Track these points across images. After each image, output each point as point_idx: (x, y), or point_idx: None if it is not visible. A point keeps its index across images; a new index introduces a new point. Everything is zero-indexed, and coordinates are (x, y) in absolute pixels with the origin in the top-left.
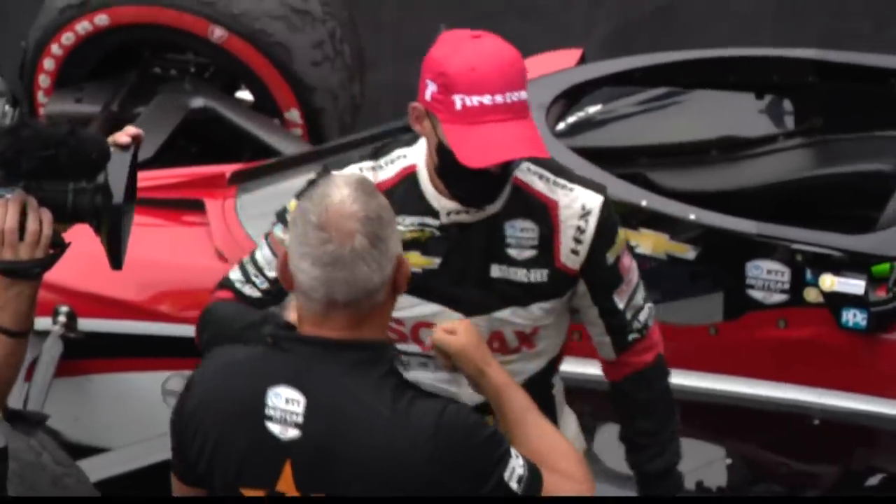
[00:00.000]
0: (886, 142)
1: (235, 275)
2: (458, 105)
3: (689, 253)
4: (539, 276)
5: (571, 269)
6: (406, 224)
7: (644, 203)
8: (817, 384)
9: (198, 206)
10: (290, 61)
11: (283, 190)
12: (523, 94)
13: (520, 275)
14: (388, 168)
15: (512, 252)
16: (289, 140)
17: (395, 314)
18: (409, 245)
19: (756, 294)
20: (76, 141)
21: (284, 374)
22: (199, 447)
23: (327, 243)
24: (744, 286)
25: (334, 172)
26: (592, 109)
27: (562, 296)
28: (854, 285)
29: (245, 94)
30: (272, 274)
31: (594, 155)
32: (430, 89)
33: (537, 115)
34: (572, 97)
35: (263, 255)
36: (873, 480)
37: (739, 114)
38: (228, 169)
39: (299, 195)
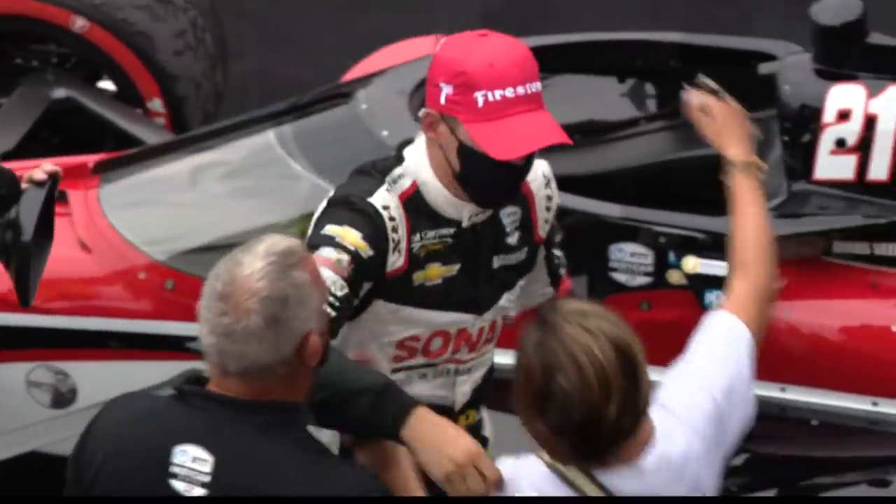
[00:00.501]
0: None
1: None
2: (481, 102)
3: None
4: (522, 254)
5: (541, 238)
6: (428, 239)
7: None
8: None
9: (60, 197)
10: (153, 50)
11: (147, 179)
12: (539, 85)
13: (512, 259)
14: (397, 186)
15: (509, 240)
16: (152, 129)
17: (411, 332)
18: (429, 258)
19: (619, 277)
20: None
21: (192, 433)
22: (98, 496)
23: (223, 315)
24: (607, 269)
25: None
26: None
27: (533, 268)
28: (717, 267)
29: (107, 84)
30: (341, 293)
31: None
32: (446, 92)
33: (400, 101)
34: None
35: (331, 278)
36: (737, 461)
37: (602, 98)
38: (91, 159)
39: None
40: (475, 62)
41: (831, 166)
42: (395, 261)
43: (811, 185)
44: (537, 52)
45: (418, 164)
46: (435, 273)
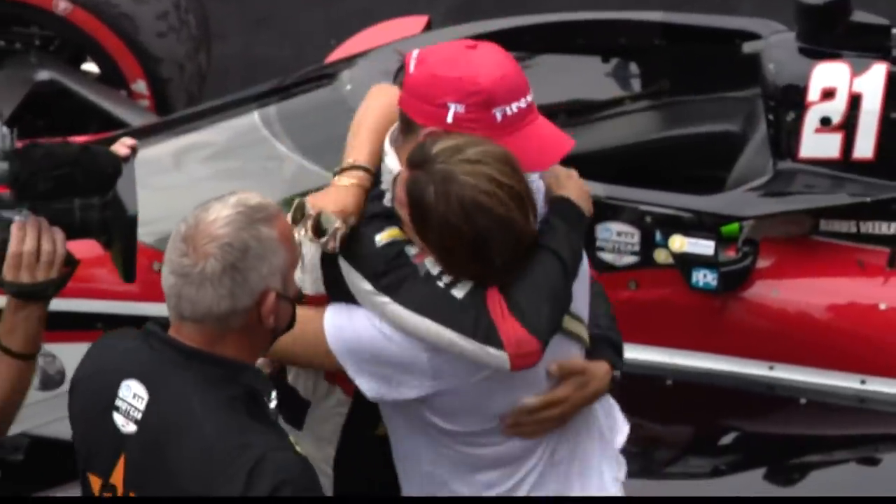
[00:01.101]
0: (733, 102)
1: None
2: (499, 117)
3: None
4: None
5: None
6: None
7: None
8: (669, 345)
9: None
10: (136, 32)
11: (132, 161)
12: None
13: None
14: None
15: None
16: (136, 111)
17: None
18: None
19: (606, 256)
20: (89, 158)
21: (139, 370)
22: (72, 420)
23: (183, 256)
24: (594, 248)
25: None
26: None
27: None
28: (704, 246)
29: (91, 67)
30: None
31: None
32: (454, 111)
33: (384, 81)
34: None
35: (427, 262)
36: (726, 439)
37: (586, 77)
38: (76, 141)
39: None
40: (487, 78)
41: (816, 145)
42: None
43: (797, 163)
44: (521, 32)
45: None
46: None
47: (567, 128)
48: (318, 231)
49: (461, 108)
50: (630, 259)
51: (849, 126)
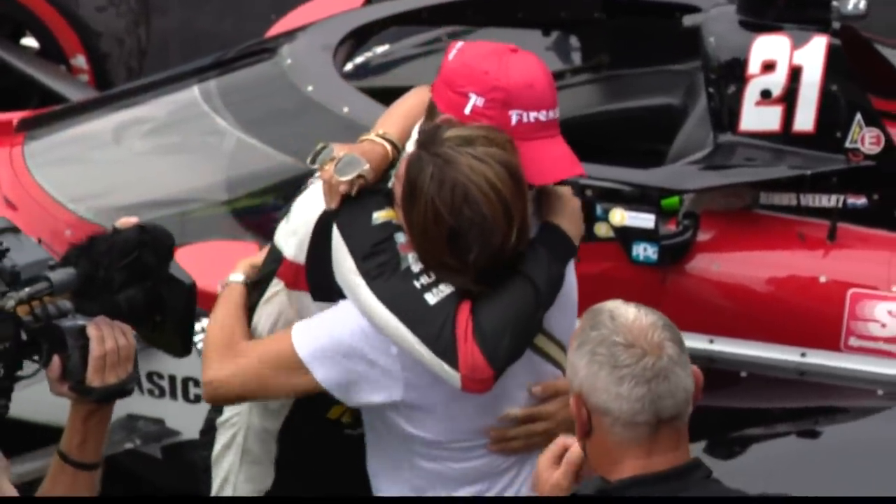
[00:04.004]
0: (674, 76)
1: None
2: (514, 121)
3: None
4: None
5: None
6: None
7: None
8: None
9: None
10: (75, 7)
11: (72, 136)
12: (558, 111)
13: None
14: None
15: None
16: (76, 86)
17: None
18: None
19: None
20: (150, 236)
21: None
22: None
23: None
24: None
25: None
26: (380, 49)
27: None
28: (644, 219)
29: (30, 41)
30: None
31: (383, 95)
32: (474, 102)
33: (324, 56)
34: (360, 37)
35: (410, 257)
36: None
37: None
38: (15, 116)
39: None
40: (515, 80)
41: (757, 117)
42: None
43: (737, 136)
44: (463, 5)
45: None
46: None
47: None
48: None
49: (480, 101)
50: None
51: (789, 99)
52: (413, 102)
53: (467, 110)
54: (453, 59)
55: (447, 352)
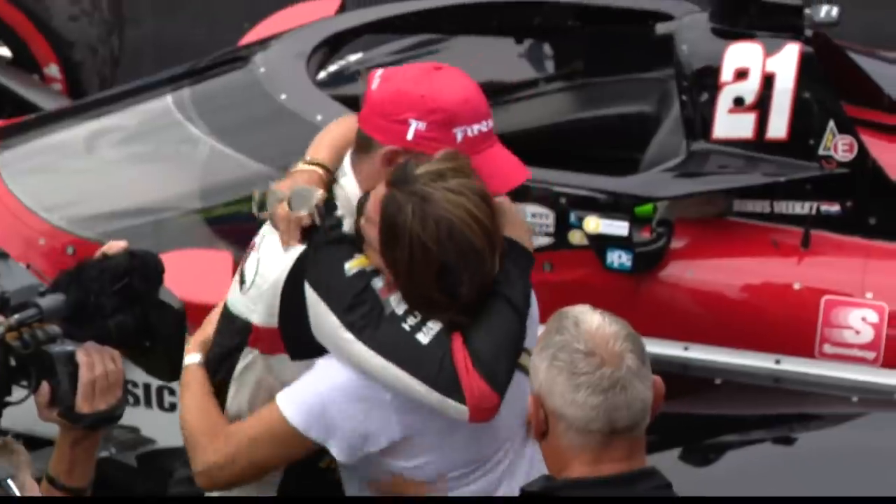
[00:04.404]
0: (647, 83)
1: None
2: (460, 137)
3: None
4: None
5: None
6: None
7: None
8: None
9: None
10: (48, 16)
11: (45, 145)
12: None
13: None
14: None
15: None
16: (49, 95)
17: None
18: None
19: None
20: (139, 261)
21: None
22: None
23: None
24: None
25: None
26: (353, 58)
27: None
28: (618, 227)
29: (3, 50)
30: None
31: (357, 104)
32: (416, 128)
33: (298, 64)
34: (333, 46)
35: (392, 300)
36: None
37: (499, 59)
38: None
39: None
40: (451, 98)
41: (730, 125)
42: None
43: (710, 143)
44: (434, 14)
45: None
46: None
47: None
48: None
49: (422, 126)
50: (545, 240)
51: (762, 106)
52: (339, 131)
53: (409, 136)
54: (378, 88)
55: (451, 388)
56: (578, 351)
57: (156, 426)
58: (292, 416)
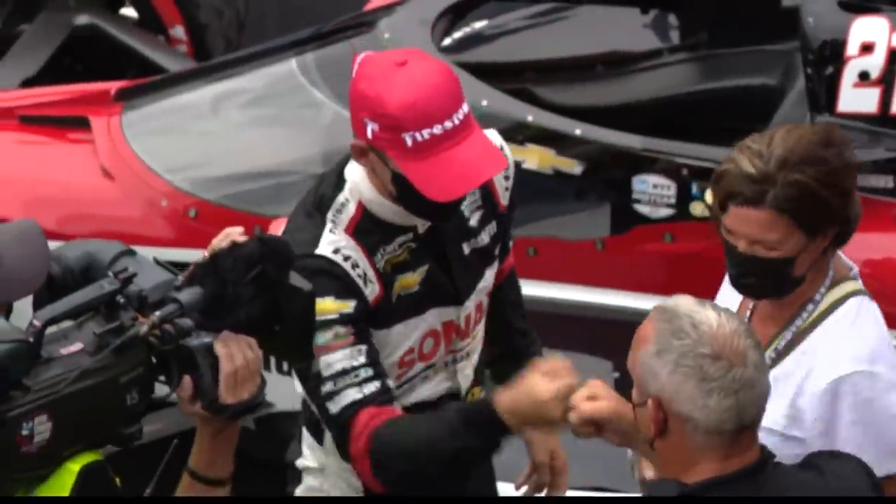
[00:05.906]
0: (771, 55)
1: (347, 398)
2: (409, 142)
3: (575, 168)
4: (492, 229)
5: (504, 207)
6: (389, 252)
7: (530, 118)
8: (704, 297)
9: (83, 124)
10: None
11: (169, 107)
12: (465, 108)
13: (481, 240)
14: (342, 217)
15: (471, 223)
16: (174, 57)
17: (405, 346)
18: (398, 269)
19: (642, 208)
20: (271, 247)
21: None
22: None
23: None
24: (630, 201)
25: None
26: (479, 24)
27: (505, 237)
28: None
29: (129, 11)
30: (364, 358)
31: (481, 70)
32: (371, 128)
33: (422, 31)
34: (458, 12)
35: (344, 354)
36: None
37: (625, 29)
38: (113, 86)
39: None
40: (397, 102)
41: (854, 99)
42: (372, 291)
43: (835, 117)
44: None
45: (360, 184)
46: (409, 282)
47: (604, 79)
48: None
49: (376, 127)
50: (666, 211)
51: (887, 81)
52: None
53: (369, 135)
54: (354, 77)
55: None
56: (705, 356)
57: (275, 390)
58: None
